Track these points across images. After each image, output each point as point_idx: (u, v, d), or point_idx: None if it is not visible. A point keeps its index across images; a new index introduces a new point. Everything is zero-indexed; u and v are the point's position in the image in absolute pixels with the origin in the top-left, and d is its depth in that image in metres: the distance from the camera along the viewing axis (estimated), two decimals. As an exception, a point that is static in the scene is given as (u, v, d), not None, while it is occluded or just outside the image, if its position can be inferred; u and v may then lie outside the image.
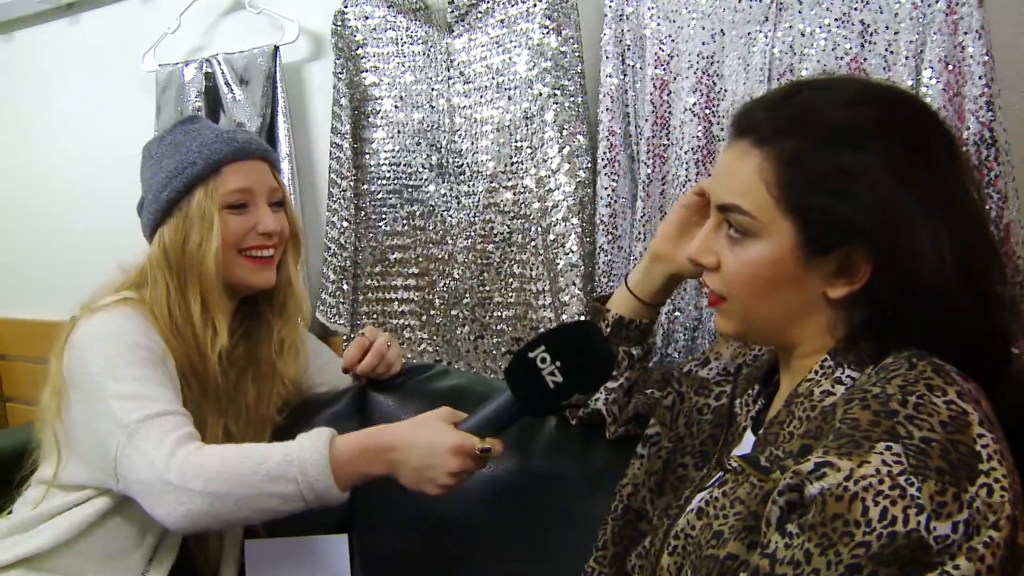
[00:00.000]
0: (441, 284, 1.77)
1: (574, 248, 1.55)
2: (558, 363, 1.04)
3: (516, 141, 1.63)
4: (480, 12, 1.63)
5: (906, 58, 1.30)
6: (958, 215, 0.84)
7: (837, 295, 0.86)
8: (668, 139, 1.50)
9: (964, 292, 0.82)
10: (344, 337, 1.86)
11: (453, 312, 1.76)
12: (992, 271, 0.85)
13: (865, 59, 1.33)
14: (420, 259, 1.79)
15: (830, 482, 0.71)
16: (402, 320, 1.82)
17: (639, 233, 1.52)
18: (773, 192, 0.86)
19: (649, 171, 1.50)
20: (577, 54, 1.57)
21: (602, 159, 1.55)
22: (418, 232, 1.78)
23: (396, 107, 1.75)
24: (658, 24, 1.48)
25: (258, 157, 1.36)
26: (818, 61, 1.35)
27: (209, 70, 1.96)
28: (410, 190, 1.77)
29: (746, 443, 0.99)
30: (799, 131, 0.86)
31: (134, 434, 1.16)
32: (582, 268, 1.55)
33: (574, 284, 1.55)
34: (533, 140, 1.60)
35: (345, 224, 1.81)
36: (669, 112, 1.49)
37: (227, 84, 1.92)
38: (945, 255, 0.81)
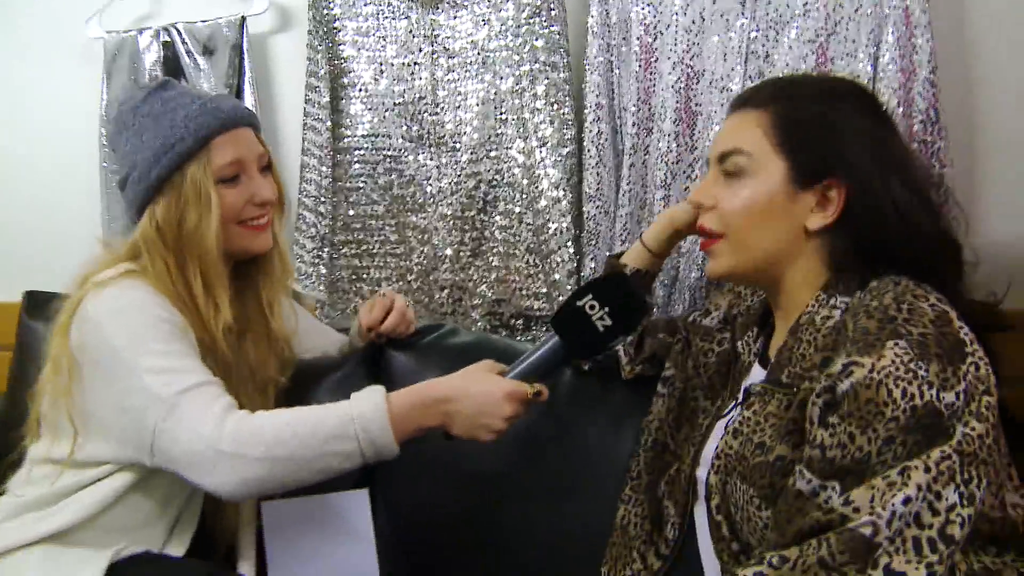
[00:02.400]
0: (419, 251, 1.83)
1: (565, 215, 1.66)
2: (607, 308, 1.16)
3: (501, 114, 1.73)
4: (465, -11, 1.71)
5: (865, 46, 1.49)
6: (909, 155, 1.07)
7: (815, 226, 1.04)
8: (651, 113, 1.64)
9: (922, 210, 1.02)
10: (318, 304, 1.89)
11: (431, 277, 1.83)
12: (937, 193, 1.06)
13: (830, 46, 1.51)
14: (398, 226, 1.84)
15: (857, 376, 0.88)
16: (378, 287, 1.87)
17: (623, 200, 1.66)
18: (768, 135, 1.06)
19: (633, 143, 1.64)
20: (563, 32, 1.67)
21: (588, 131, 1.67)
22: (396, 201, 1.83)
23: (376, 80, 1.80)
24: (642, 7, 1.61)
25: (245, 124, 1.37)
26: (790, 47, 1.52)
27: (167, 39, 1.92)
28: (389, 161, 1.82)
29: (755, 374, 1.15)
30: (786, 95, 1.09)
31: (175, 408, 1.15)
32: (573, 232, 1.67)
33: (566, 247, 1.66)
34: (521, 113, 1.70)
35: (322, 194, 1.83)
36: (652, 88, 1.63)
37: (189, 54, 1.90)
38: (904, 181, 1.02)
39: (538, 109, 1.68)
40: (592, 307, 1.17)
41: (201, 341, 1.29)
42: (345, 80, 1.82)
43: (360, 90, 1.81)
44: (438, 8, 1.73)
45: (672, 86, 1.60)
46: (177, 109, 1.29)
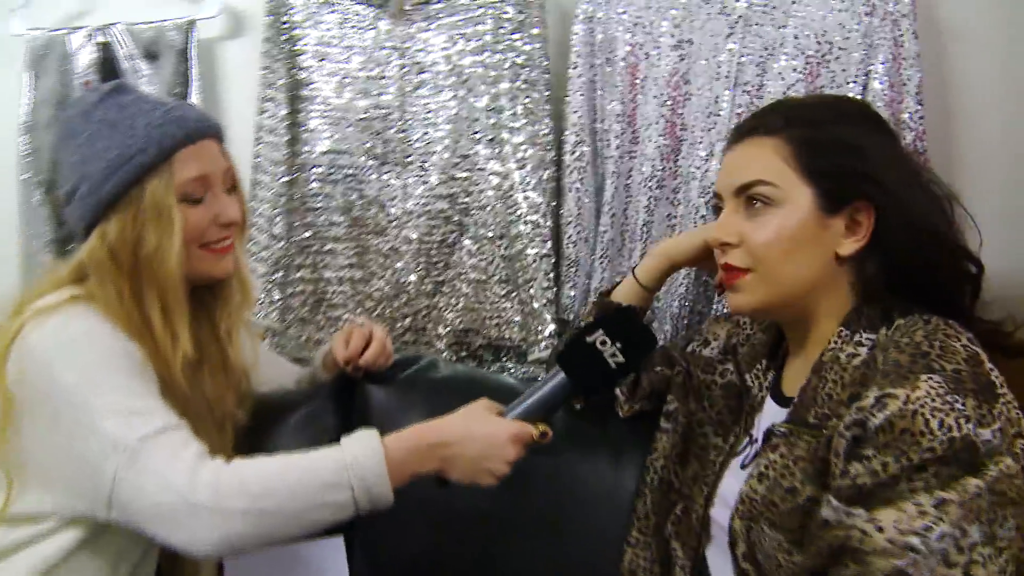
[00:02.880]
0: (381, 276, 1.72)
1: (545, 240, 1.59)
2: (618, 344, 1.09)
3: (474, 133, 1.64)
4: (442, 2, 1.62)
5: (855, 75, 1.47)
6: (924, 170, 1.06)
7: (848, 251, 1.01)
8: (634, 136, 1.58)
9: (947, 224, 1.02)
10: (267, 332, 1.75)
11: (395, 304, 1.73)
12: (951, 207, 1.05)
13: (819, 74, 1.49)
14: (358, 250, 1.73)
15: (892, 408, 0.86)
16: (335, 312, 1.75)
17: (604, 227, 1.60)
18: (791, 164, 1.02)
19: (616, 167, 1.58)
20: (544, 49, 1.61)
21: (570, 154, 1.61)
22: (357, 223, 1.72)
23: (338, 94, 1.68)
24: (628, 30, 1.56)
25: (211, 135, 1.25)
26: (779, 73, 1.49)
27: (104, 39, 1.76)
28: (350, 180, 1.71)
29: (771, 411, 1.10)
30: (802, 119, 1.05)
31: (137, 454, 1.01)
32: (551, 259, 1.60)
33: (545, 275, 1.59)
34: (498, 133, 1.62)
35: (277, 213, 1.70)
36: (636, 111, 1.58)
37: (129, 57, 1.74)
38: (927, 196, 1.02)
39: (516, 129, 1.61)
40: (603, 343, 1.09)
41: (158, 375, 1.15)
42: (304, 92, 1.70)
43: (320, 103, 1.69)
44: (409, 19, 1.64)
45: (658, 109, 1.55)
46: (136, 116, 1.14)
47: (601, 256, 1.60)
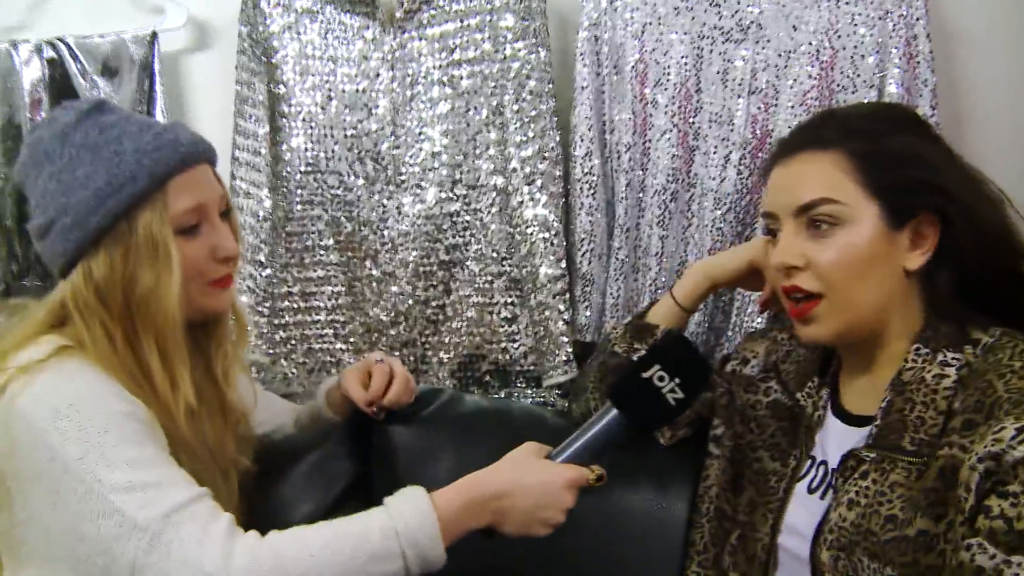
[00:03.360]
0: (375, 303, 1.61)
1: (560, 259, 1.51)
2: (677, 380, 1.02)
3: (475, 148, 1.54)
4: (435, 10, 1.52)
5: (870, 79, 1.44)
6: (982, 180, 1.02)
7: (915, 266, 0.98)
8: (646, 147, 1.52)
9: (1011, 229, 0.99)
10: (253, 369, 1.62)
11: (392, 332, 1.62)
12: (1013, 226, 1.01)
13: (834, 79, 1.45)
14: (348, 277, 1.61)
15: None
16: (327, 344, 1.63)
17: (618, 243, 1.53)
18: (856, 179, 0.98)
19: (628, 178, 1.52)
20: (548, 58, 1.52)
21: (579, 168, 1.53)
22: (346, 247, 1.60)
23: (323, 109, 1.56)
24: (636, 37, 1.49)
25: (205, 160, 1.13)
26: (795, 79, 1.45)
27: (53, 55, 1.59)
28: (338, 202, 1.59)
29: (834, 429, 1.06)
30: (859, 131, 1.00)
31: (160, 536, 0.89)
32: (567, 279, 1.52)
33: (561, 296, 1.51)
34: (503, 148, 1.53)
35: (259, 240, 1.57)
36: (647, 122, 1.51)
37: (83, 73, 1.58)
38: (988, 201, 0.99)
39: (522, 142, 1.51)
40: (662, 378, 1.02)
41: (164, 429, 1.03)
42: (285, 108, 1.57)
43: (303, 120, 1.57)
44: (400, 28, 1.53)
45: (669, 119, 1.49)
46: (122, 139, 1.01)
47: (616, 274, 1.53)
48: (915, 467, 0.92)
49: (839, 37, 1.44)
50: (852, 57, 1.44)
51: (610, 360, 1.25)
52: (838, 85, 1.45)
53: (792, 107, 1.45)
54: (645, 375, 1.02)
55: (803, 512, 1.04)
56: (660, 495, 1.23)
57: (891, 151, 0.98)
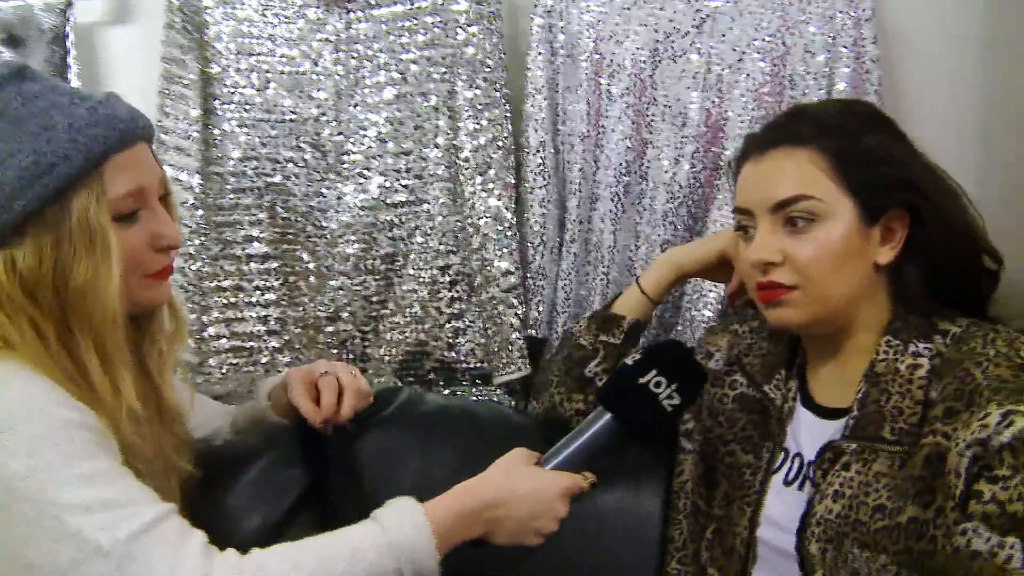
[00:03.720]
0: (313, 298, 1.52)
1: (511, 252, 1.46)
2: (674, 385, 1.00)
3: (424, 137, 1.48)
4: (383, -11, 1.45)
5: (816, 79, 1.46)
6: (944, 175, 1.05)
7: (886, 260, 1.00)
8: (600, 141, 1.49)
9: (975, 230, 1.03)
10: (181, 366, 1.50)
11: (330, 329, 1.53)
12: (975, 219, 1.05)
13: (786, 75, 1.46)
14: (283, 270, 1.52)
15: (1019, 426, 0.83)
16: (259, 343, 1.53)
17: (572, 235, 1.50)
18: (832, 176, 0.99)
19: (581, 172, 1.49)
20: (501, 45, 1.47)
21: (532, 159, 1.49)
22: (283, 240, 1.51)
23: (259, 91, 1.46)
24: (592, 26, 1.47)
25: (144, 138, 1.02)
26: (748, 75, 1.45)
27: (-52, 22, 1.43)
28: (274, 191, 1.49)
29: (805, 420, 1.07)
30: (832, 128, 1.02)
31: (127, 560, 0.81)
32: (519, 273, 1.48)
33: (513, 290, 1.46)
34: (452, 137, 1.47)
35: (188, 230, 1.46)
36: (600, 114, 1.49)
37: (-15, 43, 1.43)
38: (955, 198, 1.02)
39: (473, 131, 1.46)
40: (659, 384, 0.99)
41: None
42: (218, 89, 1.46)
43: (238, 102, 1.46)
44: (345, 8, 1.44)
45: (623, 111, 1.47)
46: (51, 112, 0.90)
47: (568, 267, 1.50)
48: (898, 456, 0.94)
49: (792, 35, 1.45)
50: (803, 55, 1.46)
51: (576, 353, 1.22)
52: (789, 81, 1.46)
53: (745, 101, 1.45)
54: (642, 380, 0.98)
55: (781, 504, 1.04)
56: (634, 492, 1.21)
57: (865, 149, 1.00)
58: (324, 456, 1.23)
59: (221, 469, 1.19)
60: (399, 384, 1.55)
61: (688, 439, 1.18)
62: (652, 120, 1.49)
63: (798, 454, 1.05)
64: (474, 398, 1.54)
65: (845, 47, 1.45)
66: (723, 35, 1.46)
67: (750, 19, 1.45)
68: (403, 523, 0.90)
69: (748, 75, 1.46)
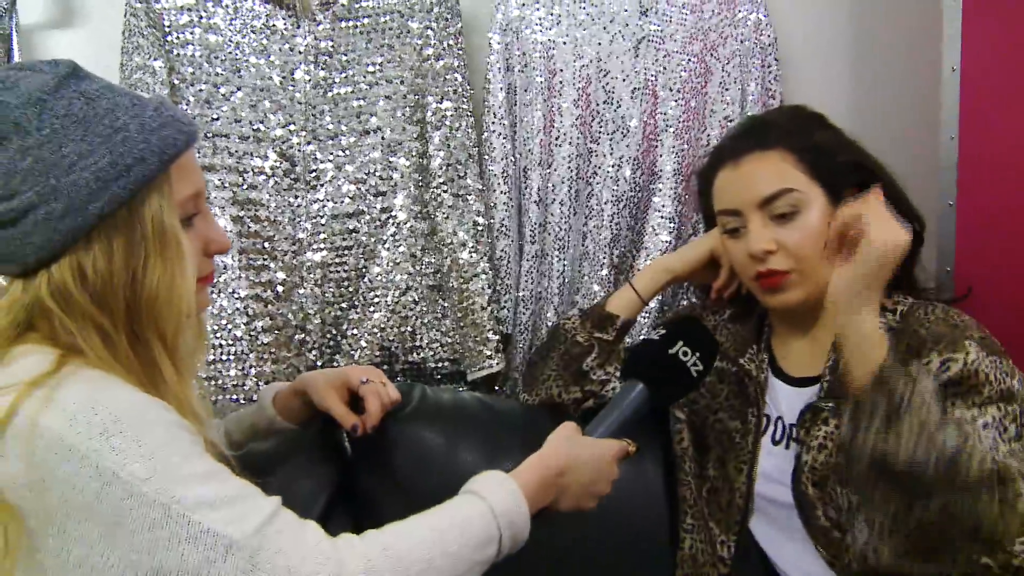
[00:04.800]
0: (279, 306, 1.53)
1: (483, 254, 1.55)
2: (698, 354, 1.14)
3: (392, 146, 1.53)
4: (354, 3, 1.48)
5: (728, 89, 1.68)
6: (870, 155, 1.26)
7: None
8: (551, 147, 1.62)
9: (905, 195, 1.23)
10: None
11: (296, 338, 1.54)
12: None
13: (709, 83, 1.67)
14: (250, 281, 1.51)
15: (956, 367, 1.07)
16: (227, 349, 1.51)
17: (531, 237, 1.62)
18: (802, 169, 1.17)
19: (539, 178, 1.61)
20: (465, 58, 1.56)
21: (495, 167, 1.60)
22: (249, 250, 1.50)
23: (226, 99, 1.45)
24: (543, 45, 1.60)
25: (196, 140, 1.03)
26: (678, 90, 1.64)
27: None
28: (239, 203, 1.48)
29: (780, 391, 1.24)
30: (791, 130, 1.20)
31: (259, 551, 0.82)
32: (490, 274, 1.57)
33: (485, 289, 1.55)
34: (424, 147, 1.53)
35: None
36: (552, 123, 1.62)
37: (-81, 45, 1.30)
38: (889, 174, 1.22)
39: (446, 142, 1.54)
40: (685, 353, 1.14)
41: None
42: (184, 98, 1.43)
43: (204, 112, 1.44)
44: (315, 20, 1.47)
45: (573, 120, 1.61)
46: (117, 113, 0.89)
47: (528, 267, 1.62)
48: None
49: (712, 56, 1.66)
50: (721, 74, 1.67)
51: (573, 349, 1.33)
52: (711, 88, 1.67)
53: (676, 114, 1.64)
54: (671, 351, 1.12)
55: (773, 461, 1.19)
56: (638, 462, 1.32)
57: (822, 144, 1.18)
58: (348, 459, 1.27)
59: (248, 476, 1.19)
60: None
61: (679, 410, 1.33)
62: (597, 131, 1.64)
63: (779, 418, 1.21)
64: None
65: (755, 68, 1.68)
66: (657, 55, 1.63)
67: (679, 42, 1.64)
68: (500, 493, 0.96)
69: (678, 90, 1.65)
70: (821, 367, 1.18)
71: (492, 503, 0.95)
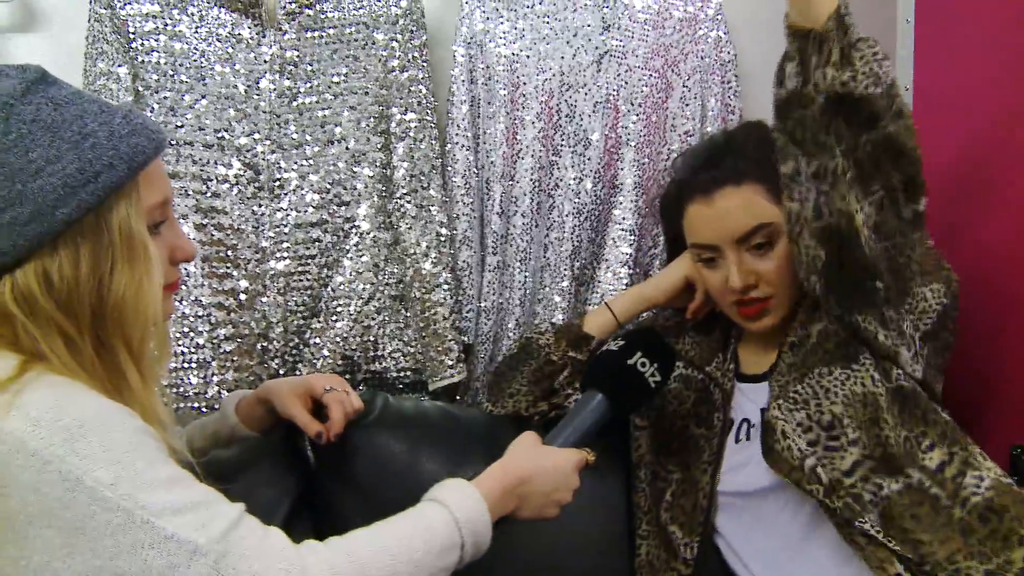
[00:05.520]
0: (242, 316, 1.53)
1: (445, 266, 1.56)
2: (656, 364, 1.17)
3: (355, 156, 1.54)
4: (319, 14, 1.49)
5: (689, 104, 1.71)
6: None
7: None
8: (514, 160, 1.64)
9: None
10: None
11: (259, 346, 1.54)
12: None
13: (669, 98, 1.70)
14: (213, 289, 1.51)
15: None
16: (189, 356, 1.51)
17: (493, 248, 1.64)
18: (772, 200, 1.21)
19: (501, 190, 1.64)
20: (429, 70, 1.57)
21: (457, 179, 1.62)
22: (211, 258, 1.50)
23: (190, 108, 1.45)
24: (506, 59, 1.62)
25: (163, 149, 0.99)
26: (640, 104, 1.67)
27: None
28: (203, 211, 1.48)
29: (743, 392, 1.28)
30: (760, 162, 1.22)
31: (224, 556, 0.82)
32: (452, 285, 1.58)
33: (447, 300, 1.57)
34: (388, 158, 1.55)
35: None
36: (516, 136, 1.64)
37: None
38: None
39: (409, 153, 1.55)
40: (643, 364, 1.16)
41: None
42: (148, 106, 1.43)
43: (168, 121, 1.44)
44: (281, 30, 1.47)
45: (536, 134, 1.63)
46: (85, 119, 0.89)
47: (490, 278, 1.64)
48: None
49: (673, 72, 1.69)
50: (682, 89, 1.70)
51: (547, 368, 1.36)
52: (672, 102, 1.70)
53: (637, 128, 1.66)
54: (630, 362, 1.15)
55: (736, 457, 1.24)
56: (598, 471, 1.35)
57: (782, 174, 1.16)
58: (311, 467, 1.27)
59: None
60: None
61: (640, 417, 1.36)
62: (559, 144, 1.66)
63: (745, 419, 1.25)
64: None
65: (715, 84, 1.72)
66: (619, 70, 1.67)
67: (641, 58, 1.67)
68: (464, 501, 0.98)
69: (639, 104, 1.68)
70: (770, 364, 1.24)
71: (456, 512, 0.97)
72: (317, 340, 1.57)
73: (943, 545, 1.06)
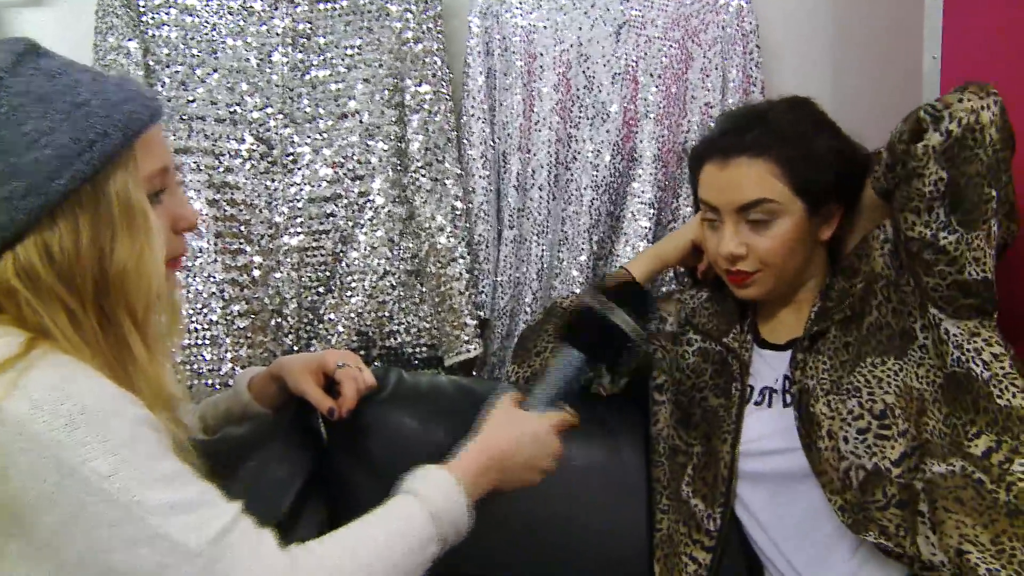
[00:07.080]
0: (255, 291, 1.52)
1: (461, 239, 1.55)
2: (634, 316, 1.12)
3: (370, 129, 1.52)
4: (330, -15, 1.47)
5: (709, 75, 1.67)
6: (856, 145, 1.28)
7: (827, 236, 1.24)
8: (531, 132, 1.61)
9: None
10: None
11: (273, 322, 1.53)
12: None
13: (689, 69, 1.66)
14: (226, 265, 1.50)
15: None
16: (202, 333, 1.50)
17: (510, 222, 1.62)
18: (786, 181, 1.19)
19: (518, 163, 1.61)
20: (443, 41, 1.55)
21: (473, 151, 1.60)
22: (225, 234, 1.49)
23: (202, 82, 1.44)
24: (523, 29, 1.59)
25: (161, 116, 0.96)
26: (659, 76, 1.64)
27: None
28: (215, 186, 1.47)
29: (763, 357, 1.28)
30: (785, 138, 1.20)
31: (215, 561, 0.80)
32: (468, 259, 1.56)
33: (463, 274, 1.55)
34: (402, 131, 1.52)
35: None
36: (532, 107, 1.61)
37: None
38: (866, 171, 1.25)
39: (424, 126, 1.53)
40: (611, 309, 1.12)
41: None
42: (160, 80, 1.41)
43: (180, 94, 1.42)
44: (292, 2, 1.45)
45: (553, 105, 1.60)
46: (78, 89, 0.87)
47: (506, 252, 1.62)
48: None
49: (693, 43, 1.65)
50: (703, 60, 1.66)
51: None
52: (692, 73, 1.66)
53: (656, 100, 1.63)
54: (607, 315, 1.10)
55: (756, 423, 1.24)
56: (614, 449, 1.34)
57: (814, 155, 1.19)
58: (324, 443, 1.26)
59: (221, 461, 1.19)
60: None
61: (660, 392, 1.35)
62: (577, 116, 1.63)
63: (765, 387, 1.25)
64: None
65: (736, 54, 1.67)
66: (638, 41, 1.63)
67: (660, 28, 1.63)
68: (438, 492, 0.96)
69: (659, 76, 1.64)
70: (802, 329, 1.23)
71: (431, 506, 0.95)
72: (332, 316, 1.56)
73: (988, 528, 1.04)
